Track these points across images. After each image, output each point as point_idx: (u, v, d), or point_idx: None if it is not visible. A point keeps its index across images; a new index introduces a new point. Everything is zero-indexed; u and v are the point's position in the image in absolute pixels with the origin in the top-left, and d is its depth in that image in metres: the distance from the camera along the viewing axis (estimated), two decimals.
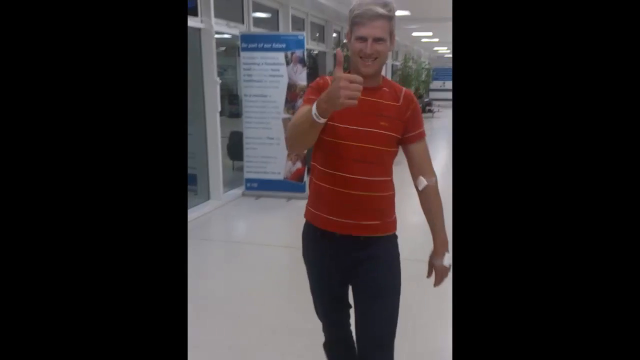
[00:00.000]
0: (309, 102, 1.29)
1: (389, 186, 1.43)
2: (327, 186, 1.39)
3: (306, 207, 1.49)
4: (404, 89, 1.44)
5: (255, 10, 5.55)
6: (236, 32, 4.94)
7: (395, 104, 1.40)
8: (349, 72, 1.33)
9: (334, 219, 1.39)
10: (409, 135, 1.41)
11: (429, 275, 1.48)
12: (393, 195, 1.46)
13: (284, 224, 4.35)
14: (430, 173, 1.43)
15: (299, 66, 4.72)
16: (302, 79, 4.73)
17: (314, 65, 7.56)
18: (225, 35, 5.14)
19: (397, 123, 1.38)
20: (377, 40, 1.31)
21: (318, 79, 1.46)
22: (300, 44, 4.73)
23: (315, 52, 7.70)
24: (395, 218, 1.47)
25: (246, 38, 4.80)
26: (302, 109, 1.33)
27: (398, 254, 1.48)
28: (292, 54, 4.72)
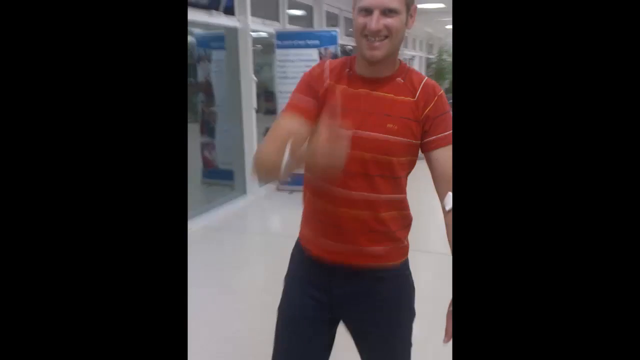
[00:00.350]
0: (293, 109, 1.04)
1: (401, 205, 1.14)
2: (322, 204, 1.10)
3: (300, 226, 1.20)
4: (425, 78, 1.09)
5: (290, 8, 5.64)
6: (271, 30, 5.04)
7: (409, 99, 1.06)
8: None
9: (331, 243, 1.11)
10: (429, 139, 1.06)
11: (447, 338, 1.00)
12: (407, 216, 1.16)
13: None
14: None
15: None
16: None
17: None
18: (262, 34, 5.25)
19: (410, 125, 1.05)
20: (387, 11, 0.97)
21: (316, 66, 1.13)
22: (333, 39, 4.78)
23: (350, 47, 7.73)
24: (408, 243, 1.18)
25: (281, 35, 4.89)
26: (282, 123, 1.06)
27: (411, 288, 1.19)
28: (325, 50, 4.78)
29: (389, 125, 1.04)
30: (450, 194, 1.04)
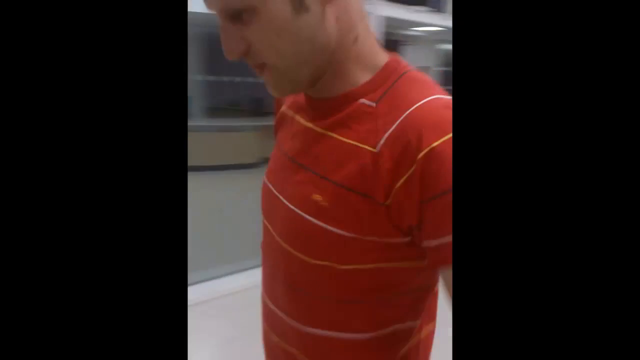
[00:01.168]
0: None
1: (380, 344, 0.57)
2: (262, 320, 0.67)
3: None
4: (420, 102, 0.48)
5: None
6: None
7: (366, 147, 0.50)
8: None
9: None
10: (425, 245, 0.48)
11: None
12: None
13: None
14: None
15: None
16: None
17: None
18: None
19: (356, 202, 0.49)
20: (233, 16, 0.48)
21: None
22: None
23: None
24: None
25: None
26: None
27: None
28: None
29: (315, 197, 0.52)
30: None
